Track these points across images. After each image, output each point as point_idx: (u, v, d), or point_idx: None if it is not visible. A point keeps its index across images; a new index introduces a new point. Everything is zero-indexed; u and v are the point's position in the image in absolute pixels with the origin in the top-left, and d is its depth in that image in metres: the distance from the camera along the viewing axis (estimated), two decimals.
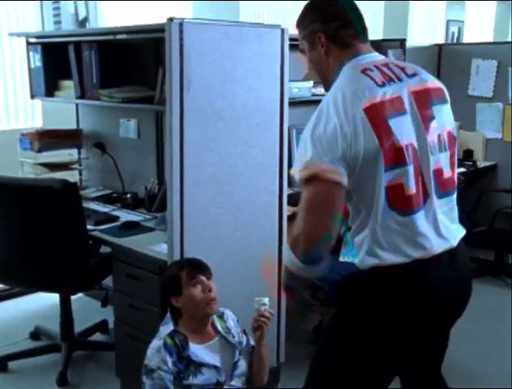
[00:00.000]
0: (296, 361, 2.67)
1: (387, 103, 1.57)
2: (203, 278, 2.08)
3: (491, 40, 10.12)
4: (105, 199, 3.37)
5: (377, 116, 1.55)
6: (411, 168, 1.57)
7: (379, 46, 3.75)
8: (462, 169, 4.30)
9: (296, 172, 1.57)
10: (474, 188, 4.51)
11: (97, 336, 3.32)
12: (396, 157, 1.56)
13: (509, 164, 4.51)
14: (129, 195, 3.26)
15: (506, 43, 4.71)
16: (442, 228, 1.64)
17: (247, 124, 2.44)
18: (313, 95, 3.37)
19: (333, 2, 1.73)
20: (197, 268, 2.10)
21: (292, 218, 2.98)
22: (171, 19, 2.15)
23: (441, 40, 8.76)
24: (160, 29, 2.51)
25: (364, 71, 1.63)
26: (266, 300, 2.11)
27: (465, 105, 4.60)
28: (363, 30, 1.72)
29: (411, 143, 1.58)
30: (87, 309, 3.57)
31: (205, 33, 2.24)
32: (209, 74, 2.28)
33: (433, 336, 1.70)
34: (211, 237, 2.43)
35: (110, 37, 2.86)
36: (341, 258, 2.92)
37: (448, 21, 9.49)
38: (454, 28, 9.62)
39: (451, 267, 1.64)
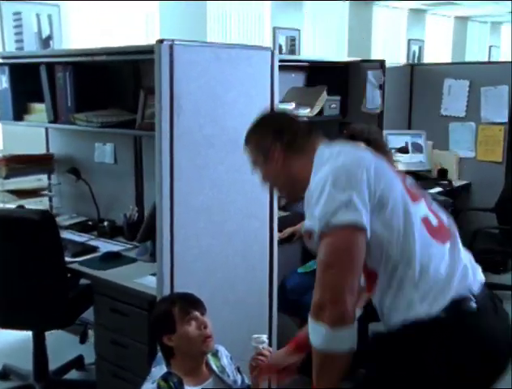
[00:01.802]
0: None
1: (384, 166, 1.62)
2: (197, 314, 1.97)
3: (449, 58, 10.38)
4: (80, 227, 3.20)
5: (383, 175, 1.56)
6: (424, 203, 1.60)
7: (358, 67, 3.74)
8: (439, 189, 4.31)
9: (315, 225, 1.48)
10: (450, 207, 4.52)
11: (73, 374, 3.13)
12: (412, 193, 1.57)
13: (482, 183, 4.55)
14: (106, 223, 3.10)
15: (478, 63, 4.78)
16: None
17: (238, 149, 2.32)
18: None
19: (280, 117, 1.83)
20: (190, 304, 1.98)
21: (287, 240, 2.91)
22: (161, 41, 2.04)
23: (403, 60, 8.93)
24: (141, 51, 2.42)
25: (343, 146, 1.68)
26: (264, 337, 2.01)
27: (438, 125, 4.64)
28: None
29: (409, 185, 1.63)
30: (59, 344, 3.36)
31: (195, 55, 2.15)
32: (199, 97, 2.18)
33: None
34: (202, 268, 2.31)
35: (88, 59, 2.73)
36: None
37: (409, 40, 9.69)
38: (415, 47, 9.83)
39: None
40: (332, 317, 1.43)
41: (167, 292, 2.21)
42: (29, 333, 2.87)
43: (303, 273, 3.03)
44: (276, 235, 2.58)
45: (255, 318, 2.55)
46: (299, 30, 7.25)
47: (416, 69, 4.81)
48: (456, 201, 4.59)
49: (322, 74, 3.77)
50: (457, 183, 4.57)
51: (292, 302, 2.84)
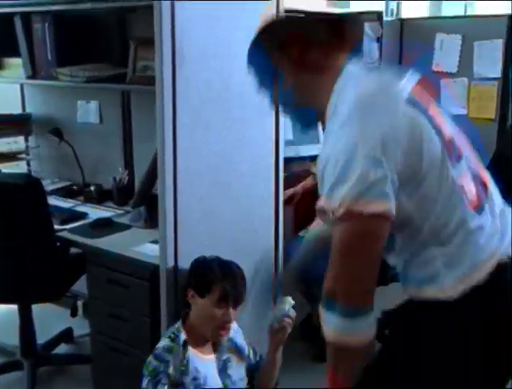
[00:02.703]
0: (289, 358, 2.43)
1: (421, 92, 1.34)
2: (231, 309, 1.83)
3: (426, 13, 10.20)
4: (64, 193, 2.99)
5: (420, 115, 1.30)
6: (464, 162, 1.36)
7: (355, 19, 3.53)
8: None
9: (335, 203, 1.23)
10: None
11: (62, 347, 2.96)
12: (454, 148, 1.33)
13: (473, 142, 4.44)
14: (92, 187, 2.89)
15: (471, 17, 4.63)
16: None
17: (243, 106, 2.16)
18: None
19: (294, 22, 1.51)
20: (235, 296, 1.83)
21: (287, 202, 2.74)
22: None
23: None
24: None
25: (369, 70, 1.42)
26: (290, 299, 1.88)
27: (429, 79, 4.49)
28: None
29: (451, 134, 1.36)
30: (46, 318, 3.17)
31: (199, 4, 1.93)
32: (204, 50, 1.98)
33: None
34: (206, 234, 2.14)
35: (69, 7, 2.47)
36: None
37: None
38: (393, 5, 9.61)
39: None
40: (347, 307, 1.27)
41: (171, 261, 2.04)
42: (14, 307, 2.68)
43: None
44: (282, 197, 2.43)
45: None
46: None
47: (405, 24, 4.62)
48: None
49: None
50: None
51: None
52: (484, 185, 1.40)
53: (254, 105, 2.20)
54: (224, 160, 2.14)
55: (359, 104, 1.28)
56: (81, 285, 2.55)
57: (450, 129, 1.36)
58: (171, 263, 2.04)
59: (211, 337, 1.87)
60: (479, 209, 1.33)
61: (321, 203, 1.29)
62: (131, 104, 2.77)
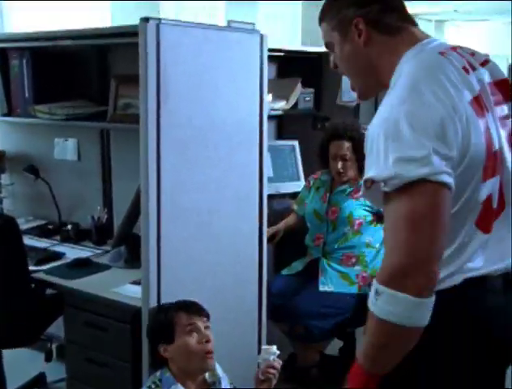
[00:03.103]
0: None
1: (481, 96, 1.29)
2: (201, 325, 1.79)
3: None
4: (39, 232, 2.90)
5: (480, 111, 1.26)
6: (498, 178, 1.31)
7: None
8: None
9: (383, 177, 1.17)
10: None
11: None
12: (494, 164, 1.28)
13: None
14: (69, 226, 2.81)
15: None
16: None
17: (228, 143, 2.14)
18: (272, 109, 3.12)
19: None
20: (195, 312, 1.80)
21: (269, 240, 2.69)
22: (146, 20, 1.80)
23: None
24: (116, 33, 2.18)
25: (443, 55, 1.29)
26: (274, 348, 1.83)
27: None
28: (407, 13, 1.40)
29: (500, 147, 1.31)
30: (18, 361, 3.03)
31: (184, 37, 1.92)
32: (188, 85, 1.95)
33: None
34: (190, 275, 2.08)
35: (48, 43, 2.44)
36: (321, 288, 2.67)
37: None
38: None
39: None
40: (417, 285, 1.15)
41: (153, 302, 1.97)
42: None
43: (288, 275, 2.84)
44: (266, 237, 2.39)
45: (245, 327, 2.35)
46: (253, 24, 7.06)
47: None
48: None
49: (293, 65, 3.60)
50: None
51: (277, 308, 2.65)
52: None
53: (239, 142, 2.19)
54: (207, 199, 2.10)
55: (404, 82, 1.24)
56: (56, 327, 2.45)
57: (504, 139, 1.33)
58: (154, 305, 1.97)
59: (199, 369, 1.80)
60: (486, 231, 1.31)
61: (371, 173, 1.21)
62: (111, 141, 2.73)
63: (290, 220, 3.02)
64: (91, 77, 2.68)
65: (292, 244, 3.01)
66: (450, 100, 1.21)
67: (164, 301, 1.99)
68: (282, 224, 2.97)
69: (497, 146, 1.30)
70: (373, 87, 1.43)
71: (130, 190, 2.41)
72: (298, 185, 3.48)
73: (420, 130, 1.16)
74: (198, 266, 2.11)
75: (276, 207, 3.10)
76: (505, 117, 1.36)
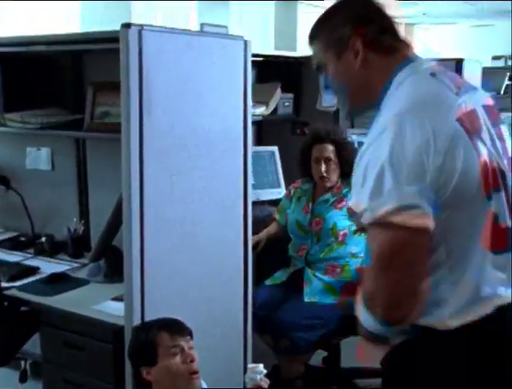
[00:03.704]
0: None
1: (472, 114, 1.27)
2: (184, 344, 1.71)
3: None
4: (10, 245, 2.77)
5: (471, 128, 1.24)
6: (503, 195, 1.28)
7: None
8: None
9: (366, 208, 1.19)
10: None
11: None
12: (494, 180, 1.25)
13: None
14: (44, 239, 2.69)
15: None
16: None
17: (211, 152, 2.07)
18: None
19: (366, 2, 1.39)
20: (177, 331, 1.72)
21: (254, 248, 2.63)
22: (127, 25, 1.72)
23: None
24: (94, 39, 2.09)
25: (434, 76, 1.29)
26: (261, 367, 1.76)
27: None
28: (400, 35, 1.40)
29: (498, 163, 1.29)
30: None
31: (166, 43, 1.84)
32: (171, 93, 1.88)
33: None
34: (175, 289, 2.01)
35: (21, 49, 2.33)
36: (306, 299, 2.61)
37: None
38: None
39: None
40: (386, 318, 1.22)
41: (137, 320, 1.89)
42: None
43: (272, 285, 2.78)
44: (251, 247, 2.32)
45: (230, 341, 2.28)
46: (226, 27, 7.01)
47: None
48: None
49: (272, 70, 3.54)
50: None
51: (262, 319, 2.58)
52: None
53: (223, 150, 2.13)
54: (191, 209, 2.02)
55: (395, 111, 1.23)
56: (31, 343, 2.33)
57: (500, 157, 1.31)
58: (137, 323, 1.88)
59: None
60: (498, 250, 1.27)
61: (352, 203, 1.26)
62: (87, 151, 2.62)
63: (272, 229, 2.96)
64: (65, 84, 2.57)
65: (274, 253, 2.95)
66: (438, 123, 1.19)
67: (148, 317, 1.90)
68: (264, 233, 2.90)
69: (494, 161, 1.28)
70: (365, 107, 1.42)
71: (107, 201, 2.32)
72: (278, 192, 3.43)
73: (400, 168, 1.16)
74: (183, 279, 2.03)
75: (259, 214, 3.03)
76: (494, 140, 1.33)
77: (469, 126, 1.24)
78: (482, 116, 1.31)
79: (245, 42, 2.14)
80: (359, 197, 1.21)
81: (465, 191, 1.21)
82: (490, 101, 1.39)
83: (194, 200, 2.03)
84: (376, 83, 1.34)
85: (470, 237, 1.25)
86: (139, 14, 6.18)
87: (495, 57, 13.01)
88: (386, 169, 1.16)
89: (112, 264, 2.32)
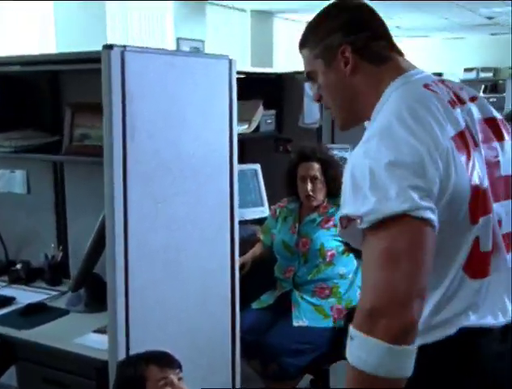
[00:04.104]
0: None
1: (466, 132, 1.21)
2: (174, 378, 1.63)
3: None
4: None
5: (463, 147, 1.17)
6: (490, 218, 1.21)
7: (293, 79, 3.50)
8: None
9: (367, 211, 1.08)
10: None
11: None
12: (483, 203, 1.19)
13: None
14: (19, 265, 2.57)
15: None
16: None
17: (197, 177, 1.99)
18: None
19: (357, 8, 1.33)
20: (166, 364, 1.65)
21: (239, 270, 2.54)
22: (109, 46, 1.64)
23: (302, 68, 8.89)
24: (74, 60, 2.01)
25: (427, 87, 1.23)
26: None
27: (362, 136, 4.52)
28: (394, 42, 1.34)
29: (487, 185, 1.22)
30: None
31: (150, 64, 1.77)
32: (155, 115, 1.80)
33: None
34: (160, 321, 1.92)
35: None
36: (295, 323, 2.54)
37: None
38: None
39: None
40: (393, 329, 1.03)
41: (122, 354, 1.79)
42: None
43: (259, 309, 2.70)
44: (238, 273, 2.24)
45: (218, 371, 2.19)
46: (203, 41, 6.95)
47: None
48: None
49: (254, 87, 3.48)
50: None
51: (250, 344, 2.50)
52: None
53: (208, 174, 2.05)
54: (176, 236, 1.94)
55: (390, 119, 1.15)
56: (8, 376, 2.21)
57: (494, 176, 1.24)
58: (122, 358, 1.79)
59: None
60: (480, 275, 1.21)
61: (347, 210, 1.13)
62: (65, 174, 2.52)
63: (257, 250, 2.89)
64: (42, 105, 2.47)
65: (259, 275, 2.88)
66: (431, 136, 1.13)
67: (133, 351, 1.81)
68: (249, 255, 2.83)
69: (485, 184, 1.21)
70: (356, 118, 1.35)
71: (87, 226, 2.22)
72: (262, 211, 3.36)
73: (398, 169, 1.08)
74: (168, 309, 1.95)
75: (243, 234, 2.96)
76: (496, 156, 1.28)
77: (462, 144, 1.19)
78: (479, 131, 1.25)
79: (230, 61, 2.08)
80: (355, 203, 1.11)
81: (452, 213, 1.15)
82: (493, 112, 1.33)
83: (179, 227, 1.95)
84: (368, 92, 1.27)
85: (450, 259, 1.19)
86: (114, 27, 6.07)
87: (467, 69, 13.22)
88: (385, 172, 1.08)
89: (93, 293, 2.22)
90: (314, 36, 1.33)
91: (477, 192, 1.18)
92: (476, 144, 1.23)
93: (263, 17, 8.27)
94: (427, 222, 1.07)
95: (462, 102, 1.26)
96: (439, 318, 1.19)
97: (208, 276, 2.11)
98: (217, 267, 2.15)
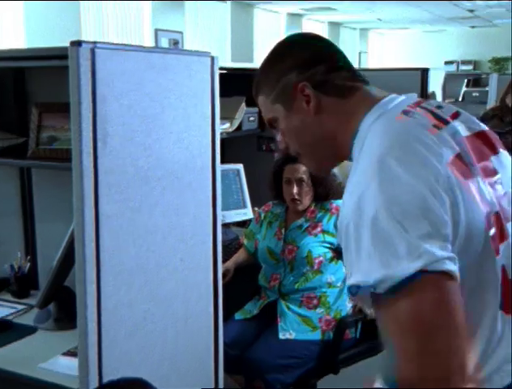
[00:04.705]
0: None
1: (462, 153, 1.07)
2: None
3: None
4: None
5: (464, 170, 1.04)
6: (510, 243, 1.07)
7: None
8: None
9: (372, 282, 0.94)
10: None
11: None
12: (499, 228, 1.05)
13: None
14: None
15: (384, 70, 4.60)
16: None
17: (177, 185, 1.82)
18: None
19: (310, 41, 1.22)
20: None
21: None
22: (78, 43, 1.46)
23: None
24: (30, 57, 1.82)
25: (407, 114, 1.08)
26: None
27: None
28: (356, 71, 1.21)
29: (499, 208, 1.08)
30: None
31: (125, 63, 1.59)
32: (130, 119, 1.63)
33: None
34: (137, 344, 1.75)
35: None
36: (281, 336, 2.40)
37: None
38: None
39: None
40: None
41: (93, 381, 1.63)
42: None
43: (242, 320, 2.55)
44: (221, 287, 2.08)
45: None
46: (182, 32, 6.74)
47: None
48: None
49: (235, 83, 3.31)
50: None
51: (233, 359, 2.36)
52: None
53: (189, 182, 1.89)
54: (155, 250, 1.77)
55: (393, 150, 1.01)
56: None
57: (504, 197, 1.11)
58: (94, 385, 1.62)
59: None
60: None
61: (355, 279, 0.96)
62: (32, 178, 2.33)
63: (240, 256, 2.74)
64: (6, 104, 2.27)
65: (243, 283, 2.73)
66: (429, 169, 0.99)
67: (106, 378, 1.64)
68: (232, 263, 2.68)
69: (496, 207, 1.07)
70: (332, 161, 1.23)
71: (56, 235, 2.03)
72: (245, 213, 3.21)
73: (402, 216, 0.93)
74: (146, 331, 1.78)
75: (225, 238, 2.80)
76: (495, 172, 1.13)
77: (463, 166, 1.05)
78: (470, 150, 1.10)
79: (212, 58, 1.91)
80: (362, 266, 0.96)
81: (472, 249, 1.01)
82: (480, 125, 1.18)
83: (159, 240, 1.78)
84: (340, 129, 1.15)
85: (483, 303, 1.04)
86: (88, 20, 5.84)
87: (447, 62, 13.22)
88: (388, 223, 0.93)
89: (63, 308, 2.05)
90: (268, 81, 1.21)
91: (491, 218, 1.04)
92: (473, 164, 1.08)
93: (244, 8, 8.07)
94: (448, 275, 0.92)
95: (444, 122, 1.11)
96: (487, 370, 1.03)
97: (190, 291, 1.95)
98: (199, 280, 1.99)
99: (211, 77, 1.91)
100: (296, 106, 1.17)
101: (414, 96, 1.18)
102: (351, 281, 0.98)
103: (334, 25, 11.20)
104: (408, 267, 0.91)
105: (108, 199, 1.59)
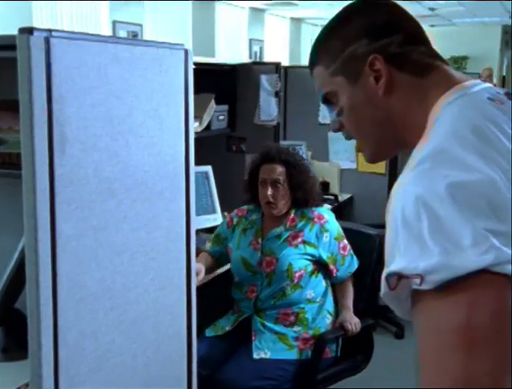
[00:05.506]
0: None
1: None
2: None
3: (287, 60, 10.28)
4: None
5: None
6: None
7: (249, 71, 3.14)
8: (327, 205, 3.89)
9: (420, 271, 0.76)
10: None
11: None
12: None
13: (364, 196, 4.26)
14: None
15: None
16: None
17: (147, 196, 1.60)
18: None
19: (383, 6, 1.01)
20: None
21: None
22: (29, 30, 1.22)
23: (245, 59, 8.53)
24: None
25: (493, 102, 0.92)
26: None
27: (316, 134, 4.25)
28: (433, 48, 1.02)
29: None
30: None
31: (86, 55, 1.35)
32: (93, 122, 1.40)
33: None
34: (102, 378, 1.53)
35: None
36: (255, 355, 2.20)
37: (250, 40, 9.36)
38: (256, 48, 9.53)
39: None
40: None
41: None
42: None
43: (214, 337, 2.34)
44: (195, 308, 1.86)
45: None
46: (141, 25, 6.45)
47: (290, 72, 4.34)
48: (343, 217, 4.25)
49: (203, 79, 3.09)
50: (342, 197, 4.23)
51: (203, 380, 2.14)
52: None
53: (160, 191, 1.67)
54: (121, 271, 1.55)
55: (444, 140, 0.85)
56: None
57: None
58: None
59: None
60: None
61: (398, 266, 0.78)
62: None
63: (206, 263, 2.50)
64: None
65: (214, 296, 2.52)
66: (504, 156, 0.82)
67: None
68: (201, 264, 2.44)
69: None
70: (393, 148, 1.03)
71: (6, 249, 1.79)
72: (214, 219, 2.99)
73: (467, 205, 0.77)
74: (113, 363, 1.56)
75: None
76: None
77: None
78: None
79: (186, 52, 1.69)
80: (410, 254, 0.78)
81: None
82: None
83: (127, 260, 1.55)
84: (411, 112, 0.96)
85: None
86: (40, 9, 5.49)
87: None
88: (452, 210, 0.77)
89: (14, 335, 1.81)
90: (330, 48, 1.00)
91: None
92: None
93: (205, 1, 7.82)
94: (509, 279, 0.74)
95: None
96: None
97: (162, 314, 1.73)
98: (172, 301, 1.77)
99: (185, 72, 1.69)
100: (362, 81, 0.98)
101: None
102: (391, 268, 0.79)
103: (296, 21, 11.06)
104: (473, 261, 0.73)
105: (68, 216, 1.36)
